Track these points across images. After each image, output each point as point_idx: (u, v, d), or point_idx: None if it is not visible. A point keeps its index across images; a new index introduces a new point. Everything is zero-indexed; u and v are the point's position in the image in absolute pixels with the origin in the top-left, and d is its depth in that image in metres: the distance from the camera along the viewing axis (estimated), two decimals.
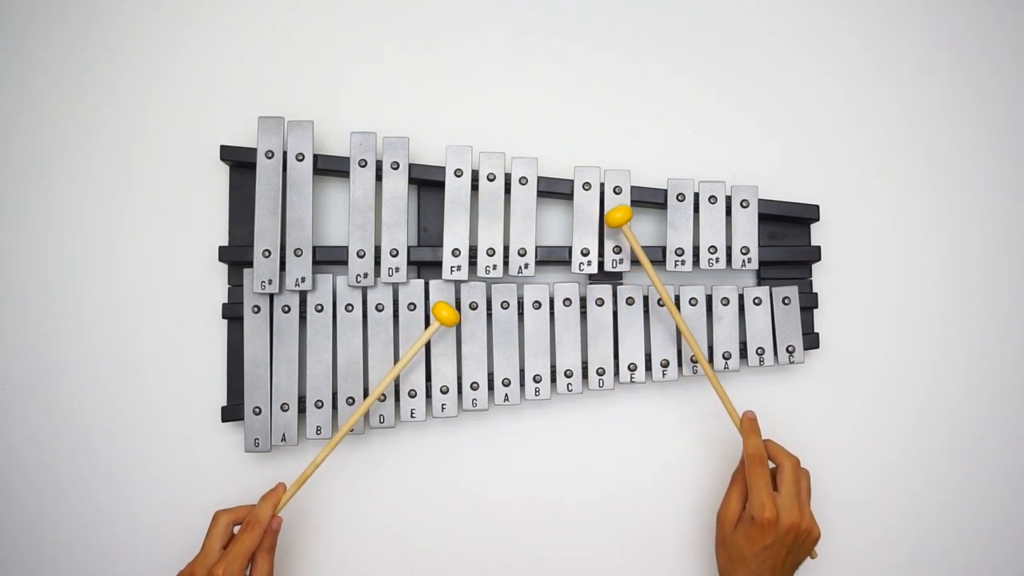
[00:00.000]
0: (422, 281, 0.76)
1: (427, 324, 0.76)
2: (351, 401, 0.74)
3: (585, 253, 0.76)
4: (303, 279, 0.74)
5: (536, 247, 0.76)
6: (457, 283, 0.76)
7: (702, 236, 0.77)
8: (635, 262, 0.77)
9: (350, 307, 0.75)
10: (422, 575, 0.78)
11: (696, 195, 0.78)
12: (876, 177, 0.84)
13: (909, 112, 0.84)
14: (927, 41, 0.85)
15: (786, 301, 0.78)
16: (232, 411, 0.75)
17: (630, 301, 0.77)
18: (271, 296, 0.75)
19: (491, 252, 0.76)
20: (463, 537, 0.78)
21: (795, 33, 0.84)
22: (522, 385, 0.76)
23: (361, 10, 0.82)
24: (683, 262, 0.77)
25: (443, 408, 0.75)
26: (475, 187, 0.77)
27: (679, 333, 0.77)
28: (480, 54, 0.82)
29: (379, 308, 0.75)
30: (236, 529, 0.70)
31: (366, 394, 0.75)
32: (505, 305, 0.76)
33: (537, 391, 0.76)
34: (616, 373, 0.77)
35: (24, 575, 0.77)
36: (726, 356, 0.77)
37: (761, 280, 0.80)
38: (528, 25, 0.83)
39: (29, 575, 0.77)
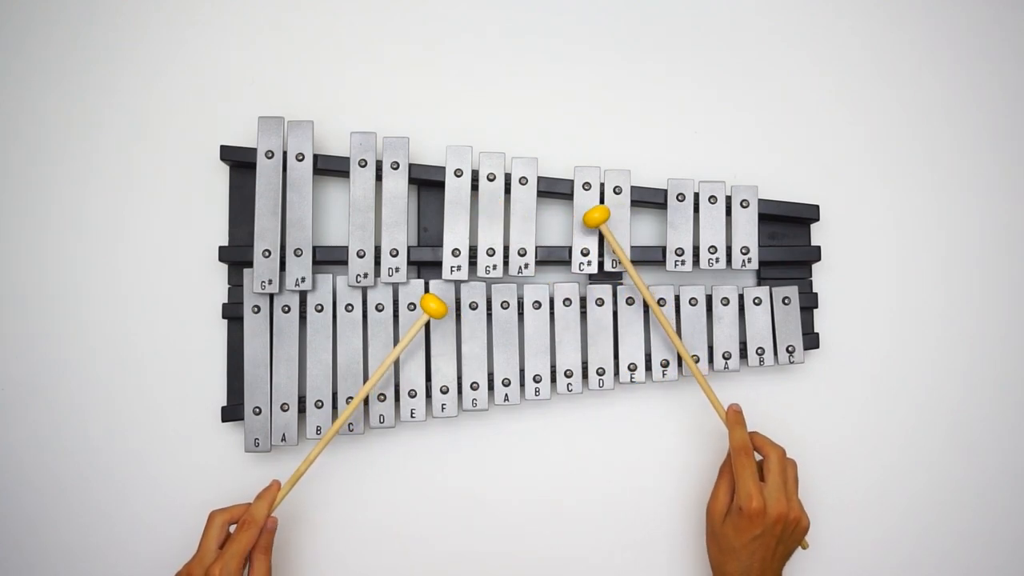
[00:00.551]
0: (422, 281, 0.76)
1: (427, 324, 0.76)
2: (351, 401, 0.74)
3: (585, 253, 0.76)
4: (303, 279, 0.74)
5: (536, 247, 0.76)
6: (457, 283, 0.76)
7: (702, 236, 0.77)
8: (635, 262, 0.77)
9: (350, 307, 0.75)
10: (421, 575, 0.78)
11: (696, 195, 0.78)
12: (876, 177, 0.84)
13: (909, 112, 0.84)
14: (927, 41, 0.85)
15: (786, 301, 0.78)
16: (232, 411, 0.75)
17: (630, 301, 0.77)
18: (271, 296, 0.75)
19: (491, 252, 0.76)
20: (463, 537, 0.78)
21: (795, 33, 0.84)
22: (522, 385, 0.76)
23: (361, 10, 0.82)
24: (683, 262, 0.77)
25: (443, 408, 0.75)
26: (475, 187, 0.77)
27: (679, 333, 0.77)
28: (480, 54, 0.82)
29: (379, 308, 0.75)
30: (232, 528, 0.70)
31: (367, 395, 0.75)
32: (505, 305, 0.76)
33: (537, 391, 0.76)
34: (616, 373, 0.77)
35: (24, 575, 0.77)
36: (726, 356, 0.77)
37: (761, 280, 0.80)
38: (528, 25, 0.83)
39: (29, 575, 0.77)
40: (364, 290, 0.76)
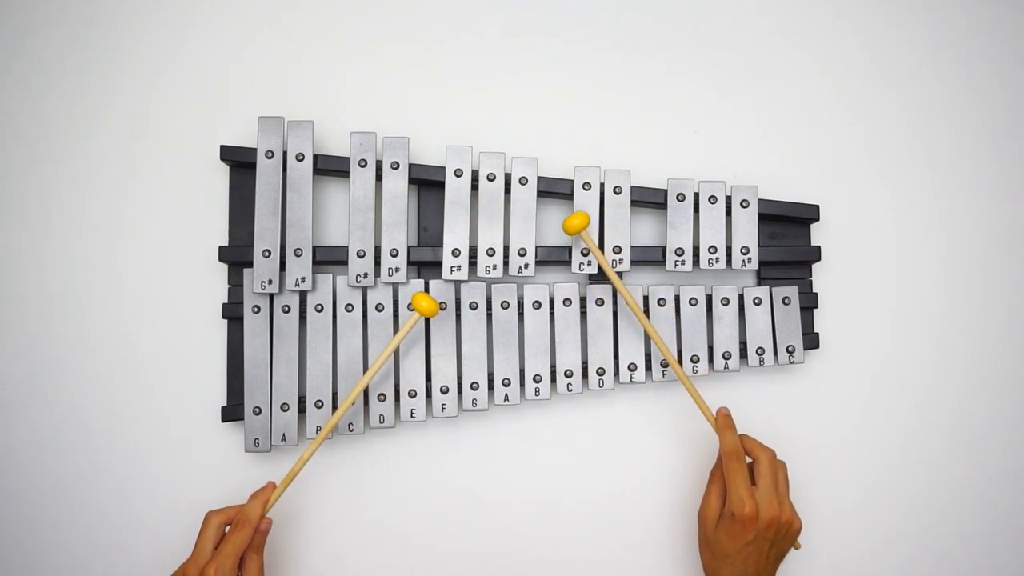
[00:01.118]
0: (422, 281, 0.76)
1: (427, 324, 0.76)
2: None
3: (585, 253, 0.76)
4: (303, 279, 0.74)
5: (536, 247, 0.76)
6: (457, 283, 0.76)
7: (702, 236, 0.77)
8: (635, 262, 0.77)
9: (350, 307, 0.75)
10: (421, 575, 0.78)
11: (696, 195, 0.78)
12: (876, 177, 0.84)
13: (909, 112, 0.84)
14: (927, 41, 0.85)
15: (786, 301, 0.78)
16: (232, 411, 0.75)
17: None
18: (271, 296, 0.75)
19: (491, 252, 0.76)
20: (462, 537, 0.78)
21: (795, 33, 0.84)
22: (522, 385, 0.76)
23: (361, 10, 0.82)
24: (683, 262, 0.77)
25: (443, 408, 0.75)
26: (475, 187, 0.77)
27: (679, 333, 0.77)
28: (480, 54, 0.82)
29: (379, 308, 0.75)
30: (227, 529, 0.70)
31: (366, 394, 0.75)
32: (505, 305, 0.76)
33: (537, 391, 0.76)
34: (616, 373, 0.77)
35: (24, 575, 0.77)
36: (726, 356, 0.77)
37: (761, 280, 0.80)
38: (528, 25, 0.83)
39: (29, 575, 0.77)
40: (364, 290, 0.76)
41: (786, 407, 0.81)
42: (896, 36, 0.85)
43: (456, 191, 0.76)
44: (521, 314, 0.77)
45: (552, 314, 0.77)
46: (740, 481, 0.68)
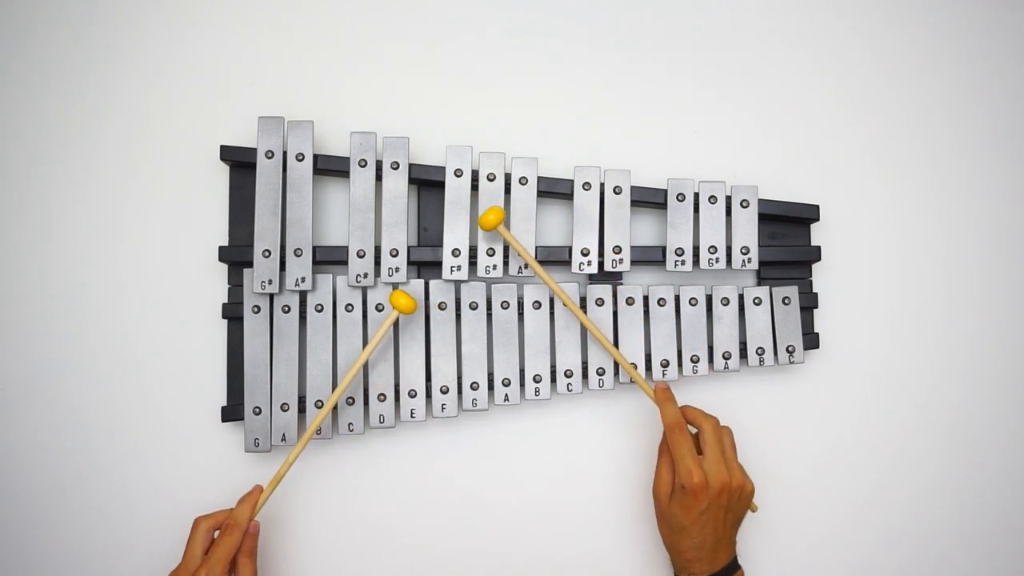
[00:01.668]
0: (422, 281, 0.76)
1: (427, 324, 0.76)
2: (351, 401, 0.74)
3: (585, 253, 0.76)
4: (303, 279, 0.74)
5: (536, 247, 0.76)
6: (457, 283, 0.76)
7: (702, 236, 0.77)
8: (635, 262, 0.77)
9: (350, 307, 0.75)
10: (421, 575, 0.78)
11: (696, 195, 0.78)
12: (876, 177, 0.84)
13: (909, 112, 0.84)
14: (927, 41, 0.85)
15: (786, 301, 0.78)
16: (232, 411, 0.75)
17: (630, 301, 0.77)
18: (271, 296, 0.75)
19: (491, 252, 0.76)
20: (462, 537, 0.78)
21: (795, 33, 0.84)
22: (522, 385, 0.76)
23: (361, 10, 0.82)
24: (683, 262, 0.77)
25: (443, 408, 0.75)
26: (475, 187, 0.77)
27: (679, 333, 0.77)
28: (480, 54, 0.82)
29: (379, 308, 0.75)
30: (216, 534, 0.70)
31: (366, 395, 0.75)
32: (505, 305, 0.76)
33: (537, 391, 0.76)
34: (616, 373, 0.77)
35: (24, 575, 0.77)
36: (726, 356, 0.77)
37: (761, 280, 0.80)
38: (528, 25, 0.83)
39: (29, 575, 0.77)
40: (364, 290, 0.76)
41: (786, 407, 0.81)
42: (896, 36, 0.85)
43: (456, 191, 0.76)
44: (521, 314, 0.77)
45: (552, 314, 0.77)
46: (685, 452, 0.68)
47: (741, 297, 0.78)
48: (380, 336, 0.71)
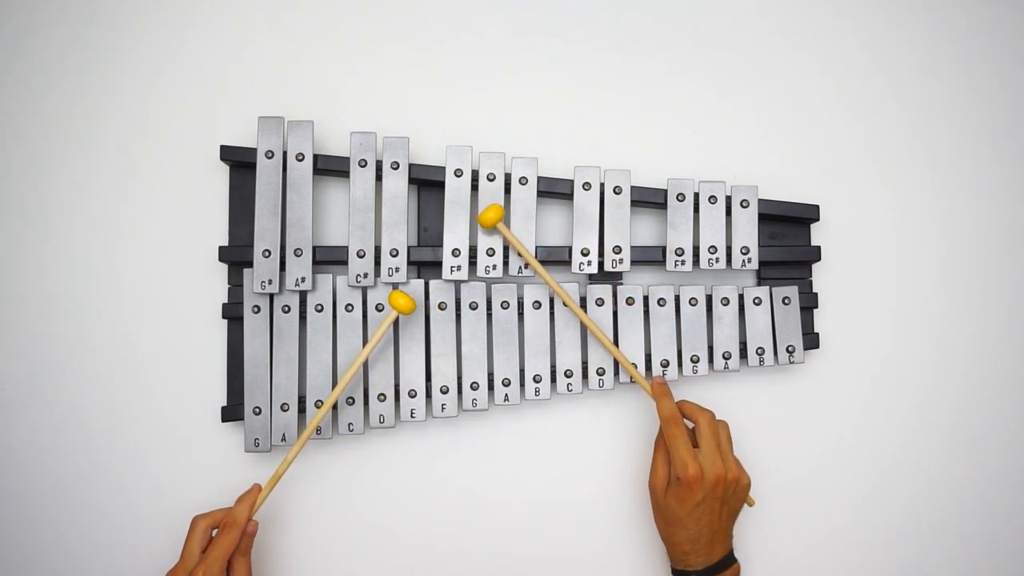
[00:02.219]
0: (422, 281, 0.76)
1: (427, 324, 0.76)
2: (351, 401, 0.74)
3: (585, 253, 0.76)
4: (303, 279, 0.74)
5: (536, 247, 0.76)
6: (457, 283, 0.76)
7: (702, 236, 0.77)
8: (635, 262, 0.77)
9: (350, 307, 0.75)
10: (420, 575, 0.78)
11: (696, 195, 0.78)
12: (876, 177, 0.84)
13: (909, 112, 0.84)
14: (927, 41, 0.85)
15: (786, 301, 0.78)
16: (232, 411, 0.75)
17: (630, 301, 0.77)
18: (271, 296, 0.75)
19: (491, 252, 0.76)
20: (462, 537, 0.78)
21: (795, 33, 0.84)
22: (522, 385, 0.76)
23: (361, 10, 0.82)
24: (683, 262, 0.77)
25: (443, 408, 0.75)
26: (475, 187, 0.77)
27: (679, 333, 0.77)
28: (480, 54, 0.82)
29: (379, 308, 0.75)
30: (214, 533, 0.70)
31: (366, 395, 0.75)
32: (505, 305, 0.76)
33: (537, 391, 0.76)
34: (616, 373, 0.77)
35: (24, 575, 0.77)
36: (726, 356, 0.77)
37: (761, 280, 0.80)
38: (528, 25, 0.83)
39: (29, 574, 0.77)
40: (364, 290, 0.76)
41: (786, 407, 0.81)
42: (896, 36, 0.85)
43: (456, 191, 0.76)
44: (521, 314, 0.77)
45: (552, 314, 0.77)
46: (681, 445, 0.69)
47: (741, 297, 0.78)
48: (379, 336, 0.71)
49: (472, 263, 0.76)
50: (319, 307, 0.75)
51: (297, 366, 0.75)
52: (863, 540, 0.81)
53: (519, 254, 0.75)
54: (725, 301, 0.77)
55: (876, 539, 0.81)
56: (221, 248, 0.76)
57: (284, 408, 0.74)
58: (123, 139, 0.80)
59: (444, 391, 0.75)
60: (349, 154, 0.75)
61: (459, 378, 0.76)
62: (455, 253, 0.75)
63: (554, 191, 0.77)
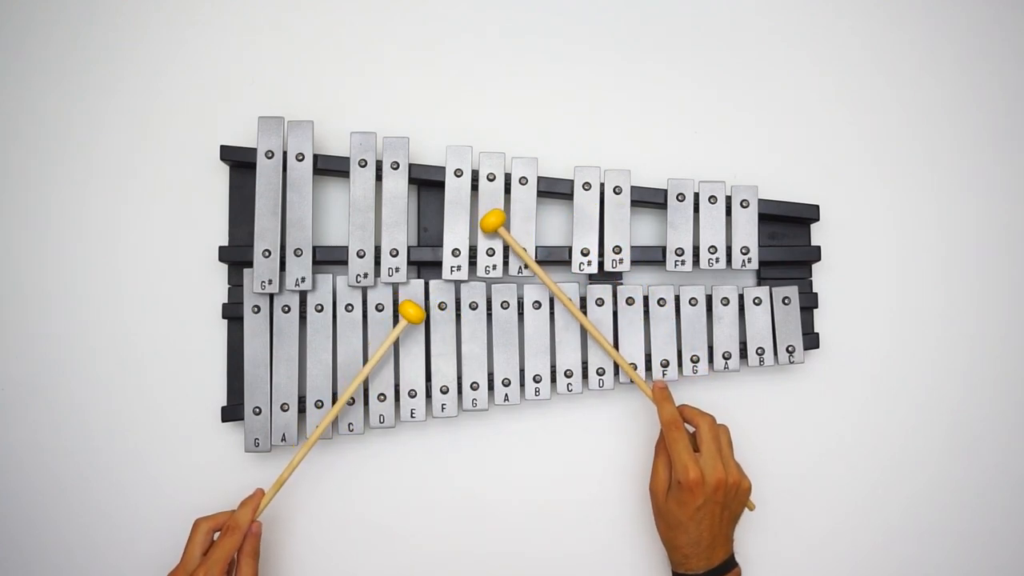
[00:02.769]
0: (422, 281, 0.76)
1: (427, 324, 0.76)
2: (351, 401, 0.74)
3: (585, 253, 0.76)
4: (303, 279, 0.74)
5: (536, 247, 0.76)
6: (457, 283, 0.76)
7: (702, 236, 0.77)
8: (635, 262, 0.77)
9: (350, 307, 0.75)
10: (420, 574, 0.78)
11: (696, 195, 0.78)
12: (876, 177, 0.84)
13: (909, 112, 0.84)
14: (927, 41, 0.85)
15: (786, 301, 0.78)
16: (232, 411, 0.75)
17: (630, 301, 0.77)
18: (271, 296, 0.75)
19: (491, 252, 0.76)
20: (463, 537, 0.78)
21: (795, 33, 0.84)
22: (522, 385, 0.76)
23: (361, 10, 0.82)
24: (683, 262, 0.77)
25: (443, 408, 0.75)
26: (475, 187, 0.77)
27: (679, 333, 0.77)
28: (480, 54, 0.82)
29: (379, 308, 0.75)
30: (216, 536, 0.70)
31: (366, 395, 0.75)
32: (505, 305, 0.76)
33: (537, 391, 0.76)
34: (616, 373, 0.77)
35: (24, 575, 0.77)
36: (726, 356, 0.77)
37: (761, 280, 0.80)
38: (528, 25, 0.83)
39: (29, 574, 0.77)
40: (364, 290, 0.76)
41: (786, 407, 0.81)
42: (896, 36, 0.85)
43: (456, 191, 0.76)
44: (521, 314, 0.77)
45: (552, 314, 0.77)
46: (682, 449, 0.69)
47: (741, 297, 0.78)
48: (388, 344, 0.72)
49: (472, 263, 0.76)
50: (319, 307, 0.75)
51: (297, 366, 0.75)
52: (863, 540, 0.81)
53: (520, 258, 0.75)
54: (725, 301, 0.77)
55: (876, 539, 0.81)
56: (221, 248, 0.76)
57: (284, 408, 0.74)
58: (123, 139, 0.80)
59: (444, 391, 0.75)
60: (349, 154, 0.75)
61: (459, 378, 0.76)
62: (455, 253, 0.75)
63: (554, 191, 0.77)
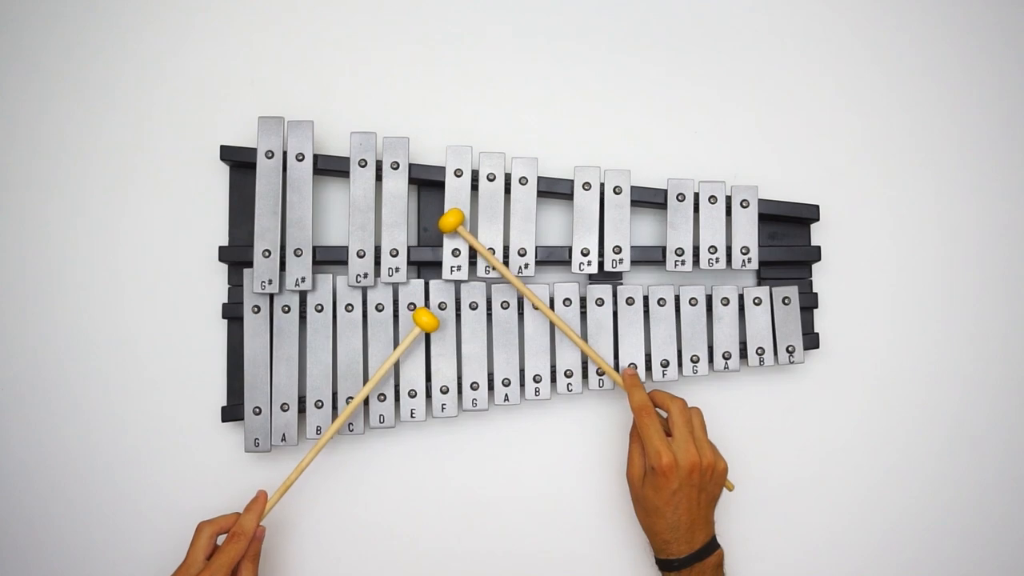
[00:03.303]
0: (422, 281, 0.76)
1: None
2: (351, 401, 0.74)
3: (585, 253, 0.76)
4: (303, 279, 0.74)
5: (536, 247, 0.76)
6: (457, 283, 0.76)
7: (702, 236, 0.77)
8: (635, 262, 0.77)
9: (350, 307, 0.75)
10: (421, 575, 0.78)
11: (696, 195, 0.78)
12: (876, 177, 0.84)
13: (909, 112, 0.84)
14: (927, 41, 0.85)
15: (786, 301, 0.78)
16: (232, 411, 0.75)
17: (630, 301, 0.77)
18: (271, 296, 0.75)
19: (491, 252, 0.76)
20: (463, 537, 0.78)
21: (795, 33, 0.84)
22: (522, 385, 0.76)
23: (361, 10, 0.82)
24: (683, 262, 0.77)
25: (443, 408, 0.75)
26: (475, 187, 0.77)
27: (679, 333, 0.77)
28: (480, 54, 0.82)
29: (379, 308, 0.75)
30: (220, 539, 0.70)
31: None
32: (505, 305, 0.76)
33: (537, 391, 0.76)
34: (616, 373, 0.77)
35: (24, 574, 0.77)
36: (726, 356, 0.77)
37: (761, 280, 0.80)
38: (528, 25, 0.83)
39: (29, 574, 0.77)
40: (364, 290, 0.76)
41: (786, 407, 0.81)
42: (896, 36, 0.85)
43: (456, 191, 0.76)
44: (521, 314, 0.77)
45: None
46: (653, 434, 0.69)
47: (741, 297, 0.78)
48: (400, 351, 0.72)
49: (472, 263, 0.76)
50: (319, 307, 0.75)
51: (297, 366, 0.75)
52: (863, 540, 0.81)
53: (483, 257, 0.74)
54: (725, 301, 0.77)
55: (876, 539, 0.81)
56: (221, 248, 0.76)
57: (284, 408, 0.74)
58: (123, 139, 0.80)
59: (444, 391, 0.75)
60: (349, 154, 0.75)
61: (459, 378, 0.76)
62: (455, 253, 0.75)
63: (554, 191, 0.77)
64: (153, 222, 0.79)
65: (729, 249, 0.78)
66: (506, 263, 0.76)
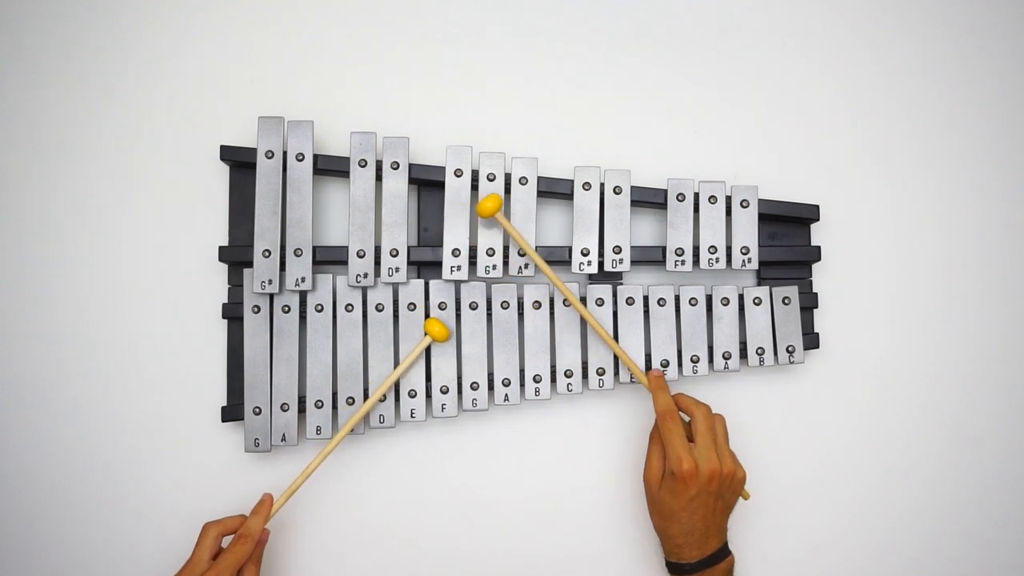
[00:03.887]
0: (422, 281, 0.76)
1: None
2: (351, 401, 0.74)
3: (585, 253, 0.76)
4: (303, 279, 0.74)
5: (536, 247, 0.76)
6: (457, 283, 0.76)
7: (702, 236, 0.77)
8: (635, 262, 0.77)
9: (350, 307, 0.75)
10: (420, 574, 0.78)
11: (696, 195, 0.78)
12: (876, 177, 0.84)
13: (909, 112, 0.84)
14: (927, 41, 0.85)
15: (786, 301, 0.78)
16: (232, 411, 0.75)
17: (630, 301, 0.77)
18: (271, 296, 0.75)
19: (491, 252, 0.76)
20: (463, 537, 0.78)
21: (795, 33, 0.84)
22: (522, 385, 0.76)
23: (361, 10, 0.82)
24: (683, 262, 0.77)
25: (443, 408, 0.75)
26: (475, 187, 0.77)
27: (679, 333, 0.77)
28: (480, 54, 0.82)
29: (379, 308, 0.75)
30: (225, 541, 0.70)
31: (366, 394, 0.75)
32: (505, 305, 0.76)
33: (537, 391, 0.76)
34: (616, 373, 0.77)
35: (24, 574, 0.77)
36: (726, 356, 0.77)
37: (761, 280, 0.80)
38: (528, 25, 0.83)
39: (29, 575, 0.77)
40: (364, 290, 0.76)
41: (786, 407, 0.81)
42: (896, 36, 0.85)
43: (456, 191, 0.76)
44: (521, 314, 0.77)
45: (552, 314, 0.77)
46: (676, 439, 0.69)
47: (741, 297, 0.78)
48: (411, 360, 0.73)
49: (472, 263, 0.76)
50: (319, 307, 0.75)
51: (297, 366, 0.75)
52: (864, 540, 0.81)
53: (519, 248, 0.74)
54: (725, 301, 0.77)
55: (877, 539, 0.81)
56: (221, 248, 0.76)
57: (284, 408, 0.74)
58: (123, 139, 0.80)
59: (444, 391, 0.75)
60: (349, 154, 0.75)
61: (459, 378, 0.76)
62: (455, 253, 0.75)
63: (554, 191, 0.77)
64: (153, 222, 0.79)
65: (729, 249, 0.78)
66: (506, 263, 0.76)
